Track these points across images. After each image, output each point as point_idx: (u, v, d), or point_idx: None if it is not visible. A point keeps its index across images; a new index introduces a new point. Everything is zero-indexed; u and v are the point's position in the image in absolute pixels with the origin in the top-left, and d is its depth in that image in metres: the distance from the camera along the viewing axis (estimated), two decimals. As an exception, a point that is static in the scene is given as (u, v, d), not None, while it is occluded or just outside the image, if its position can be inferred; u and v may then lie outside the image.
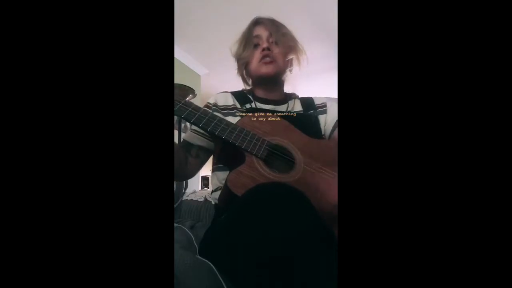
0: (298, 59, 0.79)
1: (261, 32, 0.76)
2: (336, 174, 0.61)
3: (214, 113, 0.74)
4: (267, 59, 0.74)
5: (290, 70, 0.81)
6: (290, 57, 0.77)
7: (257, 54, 0.75)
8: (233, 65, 0.84)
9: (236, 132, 0.61)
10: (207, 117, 0.60)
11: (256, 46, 0.76)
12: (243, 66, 0.81)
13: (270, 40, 0.75)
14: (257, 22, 0.79)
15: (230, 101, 0.78)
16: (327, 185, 0.57)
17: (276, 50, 0.75)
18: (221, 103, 0.77)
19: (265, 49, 0.74)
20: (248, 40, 0.77)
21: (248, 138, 0.61)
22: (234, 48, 0.80)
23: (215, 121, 0.60)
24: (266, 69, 0.74)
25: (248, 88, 0.84)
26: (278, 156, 0.63)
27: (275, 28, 0.76)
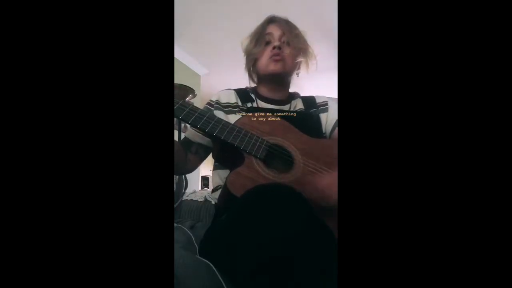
0: (307, 63, 0.79)
1: (274, 30, 0.76)
2: (335, 172, 0.61)
3: (217, 110, 0.74)
4: (277, 57, 0.73)
5: (297, 74, 0.81)
6: (300, 59, 0.77)
7: (267, 51, 0.75)
8: (233, 65, 0.84)
9: (234, 132, 0.61)
10: (204, 118, 0.60)
11: (267, 43, 0.76)
12: (252, 62, 0.80)
13: (282, 39, 0.75)
14: (271, 20, 0.79)
15: (233, 98, 0.78)
16: (325, 183, 0.57)
17: (286, 51, 0.74)
18: (224, 100, 0.77)
19: (276, 47, 0.73)
20: (260, 37, 0.77)
21: (247, 139, 0.61)
22: (245, 43, 0.80)
23: (213, 122, 0.60)
24: (274, 67, 0.74)
25: (253, 85, 0.84)
26: (277, 156, 0.63)
27: (288, 28, 0.76)
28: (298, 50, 0.76)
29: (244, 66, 0.83)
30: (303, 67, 0.80)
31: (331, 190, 0.55)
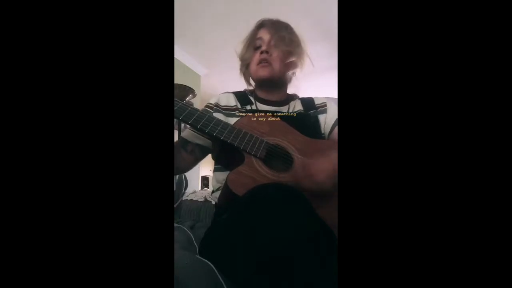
0: (299, 62, 0.79)
1: (264, 35, 0.77)
2: (324, 158, 0.60)
3: (216, 113, 0.74)
4: (264, 63, 0.74)
5: (293, 73, 0.81)
6: (290, 60, 0.76)
7: (256, 57, 0.76)
8: (233, 65, 0.85)
9: (234, 132, 0.61)
10: (205, 119, 0.60)
11: (257, 48, 0.77)
12: (245, 67, 0.81)
13: (271, 43, 0.76)
14: (261, 24, 0.80)
15: (232, 101, 0.79)
16: (315, 168, 0.57)
17: (274, 54, 0.75)
18: (223, 103, 0.78)
19: (264, 52, 0.74)
20: (250, 42, 0.79)
21: (247, 139, 0.61)
22: (239, 49, 0.82)
23: (213, 122, 0.61)
24: (262, 72, 0.75)
25: (251, 88, 0.85)
26: (276, 156, 0.63)
27: (274, 30, 0.77)
28: (286, 53, 0.75)
29: (239, 71, 0.84)
30: (297, 67, 0.79)
31: (322, 175, 0.55)
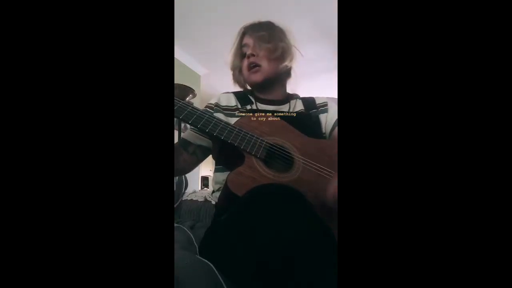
0: (286, 55, 0.77)
1: (248, 40, 0.78)
2: (335, 173, 0.61)
3: (216, 113, 0.74)
4: (255, 68, 0.75)
5: (287, 66, 0.78)
6: (276, 55, 0.75)
7: (246, 62, 0.77)
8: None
9: (234, 132, 0.61)
10: (205, 118, 0.60)
11: (245, 55, 0.78)
12: (238, 74, 0.82)
13: (255, 45, 0.76)
14: (244, 32, 0.80)
15: (233, 101, 0.79)
16: (325, 183, 0.57)
17: (261, 53, 0.75)
18: (224, 103, 0.78)
19: (250, 55, 0.75)
20: (238, 51, 0.80)
21: (247, 139, 0.61)
22: (229, 59, 0.83)
23: (213, 122, 0.61)
24: (254, 78, 0.76)
25: (250, 88, 0.85)
26: (277, 156, 0.63)
27: (253, 32, 0.78)
28: (269, 49, 0.75)
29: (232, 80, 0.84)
30: (286, 61, 0.77)
31: (330, 191, 0.54)
